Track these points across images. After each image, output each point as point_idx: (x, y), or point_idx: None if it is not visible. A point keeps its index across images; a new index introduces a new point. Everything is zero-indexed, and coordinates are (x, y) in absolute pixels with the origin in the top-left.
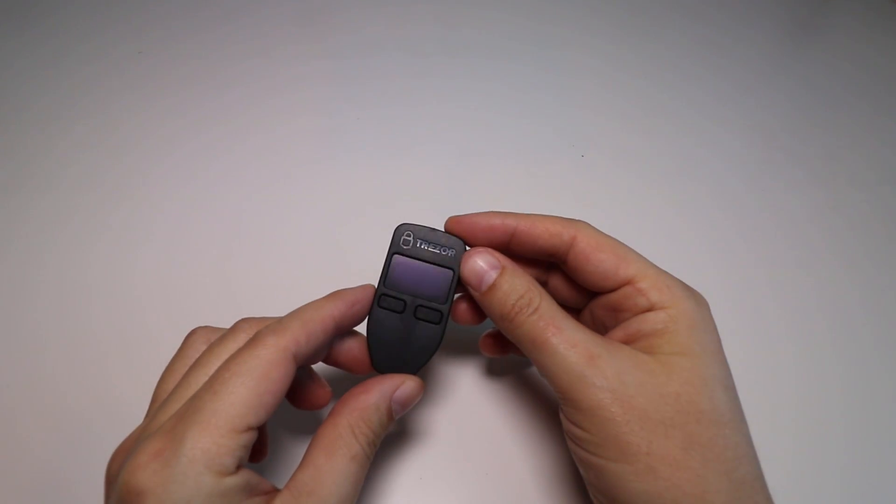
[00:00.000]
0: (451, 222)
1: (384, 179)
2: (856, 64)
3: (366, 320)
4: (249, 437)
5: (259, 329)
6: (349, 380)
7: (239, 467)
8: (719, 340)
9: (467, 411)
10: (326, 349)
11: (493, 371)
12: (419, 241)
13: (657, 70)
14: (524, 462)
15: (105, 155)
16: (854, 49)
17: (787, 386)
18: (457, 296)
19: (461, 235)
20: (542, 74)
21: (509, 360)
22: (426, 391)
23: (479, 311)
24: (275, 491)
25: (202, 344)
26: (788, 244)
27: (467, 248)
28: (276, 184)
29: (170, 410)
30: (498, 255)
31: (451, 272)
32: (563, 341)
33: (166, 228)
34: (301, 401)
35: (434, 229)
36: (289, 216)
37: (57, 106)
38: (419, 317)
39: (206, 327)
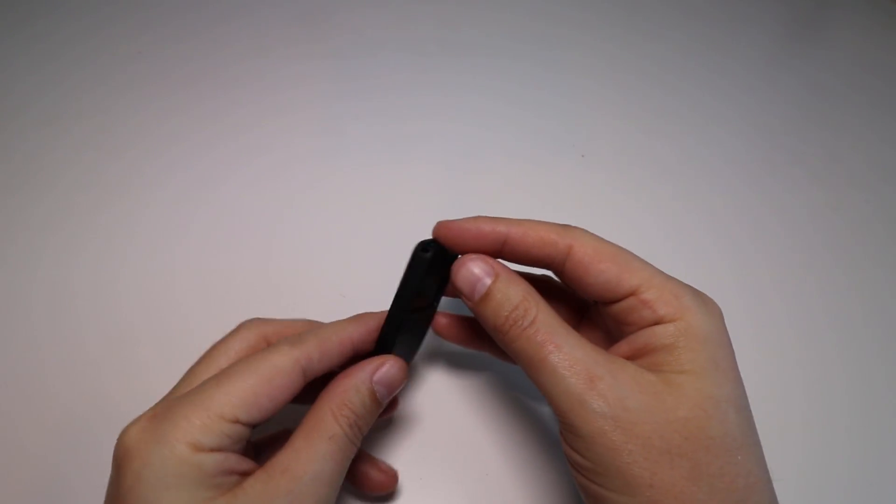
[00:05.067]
0: (439, 227)
1: (383, 179)
2: (857, 62)
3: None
4: (236, 430)
5: (263, 328)
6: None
7: (219, 451)
8: (733, 354)
9: (469, 412)
10: (342, 365)
11: (496, 372)
12: (433, 260)
13: (657, 69)
14: (525, 462)
15: (104, 154)
16: (855, 47)
17: (790, 387)
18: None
19: (449, 242)
20: (543, 74)
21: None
22: (429, 391)
23: (470, 330)
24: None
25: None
26: (789, 244)
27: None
28: (275, 183)
29: (175, 394)
30: (492, 261)
31: (448, 275)
32: (562, 360)
33: (165, 228)
34: (363, 484)
35: (442, 245)
36: (287, 216)
37: (56, 106)
38: (416, 318)
39: (256, 319)
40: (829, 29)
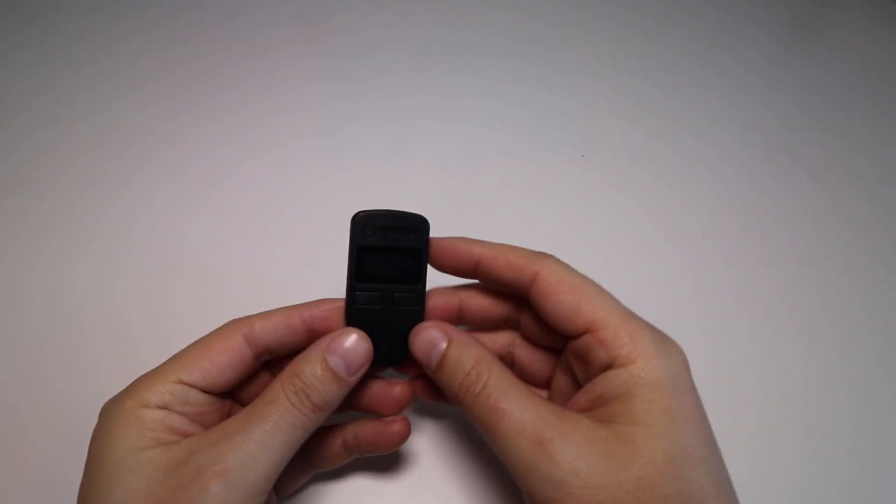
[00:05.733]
0: None
1: (383, 179)
2: (857, 63)
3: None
4: (180, 390)
5: None
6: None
7: (163, 409)
8: (696, 401)
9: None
10: (302, 343)
11: None
12: (380, 227)
13: (658, 69)
14: None
15: (104, 154)
16: (856, 48)
17: (789, 387)
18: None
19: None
20: (543, 74)
21: None
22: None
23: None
24: None
25: None
26: (789, 244)
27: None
28: (275, 183)
29: None
30: (446, 327)
31: (419, 250)
32: (512, 425)
33: (165, 228)
34: (382, 406)
35: (391, 211)
36: (287, 216)
37: (56, 106)
38: (397, 303)
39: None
40: (829, 29)
